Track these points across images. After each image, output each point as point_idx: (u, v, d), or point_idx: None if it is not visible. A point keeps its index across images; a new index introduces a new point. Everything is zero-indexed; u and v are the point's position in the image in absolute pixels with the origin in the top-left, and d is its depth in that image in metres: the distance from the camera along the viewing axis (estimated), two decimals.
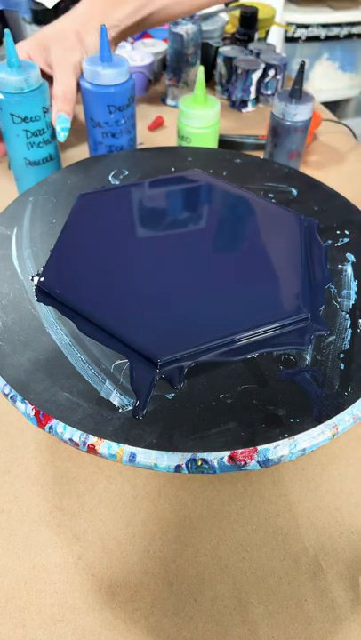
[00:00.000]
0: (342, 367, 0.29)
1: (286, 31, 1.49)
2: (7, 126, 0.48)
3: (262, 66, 0.73)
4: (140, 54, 0.78)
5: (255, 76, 0.74)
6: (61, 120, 0.49)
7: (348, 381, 0.28)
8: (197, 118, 0.54)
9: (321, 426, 0.26)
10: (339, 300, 0.33)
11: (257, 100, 0.78)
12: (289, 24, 1.48)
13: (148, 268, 0.34)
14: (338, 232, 0.38)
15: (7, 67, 0.45)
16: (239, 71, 0.73)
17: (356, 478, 0.36)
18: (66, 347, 0.30)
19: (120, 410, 0.27)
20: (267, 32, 0.86)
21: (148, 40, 0.82)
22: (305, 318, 0.31)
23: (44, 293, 0.33)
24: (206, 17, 0.80)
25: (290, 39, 1.52)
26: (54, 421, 0.26)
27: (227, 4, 0.80)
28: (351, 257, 0.36)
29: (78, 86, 0.52)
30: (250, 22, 0.78)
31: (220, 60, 0.77)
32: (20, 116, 0.47)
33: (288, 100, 0.54)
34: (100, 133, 0.53)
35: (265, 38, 0.86)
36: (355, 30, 1.55)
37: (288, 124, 0.55)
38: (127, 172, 0.44)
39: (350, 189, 0.49)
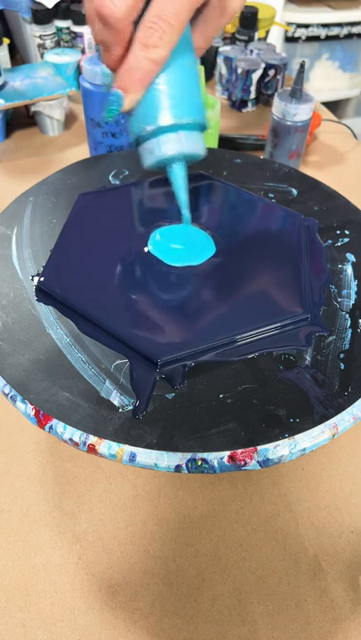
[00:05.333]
0: (342, 367, 0.29)
1: (286, 31, 1.49)
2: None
3: (262, 66, 0.73)
4: None
5: (255, 76, 0.74)
6: (114, 98, 0.29)
7: (348, 381, 0.28)
8: None
9: (321, 426, 0.26)
10: (339, 299, 0.33)
11: (257, 100, 0.78)
12: (289, 24, 1.48)
13: (147, 267, 0.34)
14: (338, 232, 0.38)
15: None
16: (239, 71, 0.73)
17: (356, 478, 0.37)
18: (66, 347, 0.30)
19: (120, 410, 0.27)
20: (267, 32, 0.86)
21: None
22: (305, 318, 0.31)
23: (44, 293, 0.33)
24: None
25: (290, 39, 1.52)
26: (54, 421, 0.26)
27: None
28: (351, 257, 0.36)
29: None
30: (250, 22, 0.78)
31: (220, 60, 0.77)
32: None
33: (288, 100, 0.54)
34: (100, 133, 0.53)
35: (265, 38, 0.86)
36: (355, 30, 1.55)
37: (288, 124, 0.55)
38: (127, 172, 0.44)
39: (350, 189, 0.49)
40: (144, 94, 0.29)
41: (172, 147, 0.30)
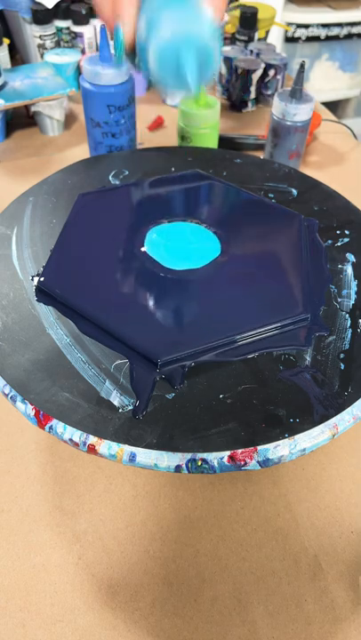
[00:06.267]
0: (342, 367, 0.29)
1: (286, 31, 1.49)
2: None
3: (262, 66, 0.73)
4: None
5: (255, 76, 0.74)
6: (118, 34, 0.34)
7: (348, 381, 0.28)
8: (197, 118, 0.54)
9: (321, 426, 0.26)
10: (339, 300, 0.33)
11: (257, 100, 0.78)
12: (289, 24, 1.48)
13: (148, 267, 0.34)
14: (338, 232, 0.38)
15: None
16: (239, 71, 0.73)
17: (356, 478, 0.36)
18: (66, 347, 0.30)
19: (120, 410, 0.27)
20: (267, 32, 0.86)
21: None
22: (305, 318, 0.31)
23: (44, 293, 0.33)
24: None
25: (290, 39, 1.52)
26: (54, 421, 0.26)
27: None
28: (351, 257, 0.36)
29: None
30: (250, 22, 0.78)
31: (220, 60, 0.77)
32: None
33: (288, 100, 0.54)
34: (100, 133, 0.53)
35: (265, 38, 0.86)
36: (355, 30, 1.55)
37: (288, 124, 0.55)
38: (127, 172, 0.44)
39: (350, 189, 0.49)
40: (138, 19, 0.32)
41: (168, 28, 0.31)
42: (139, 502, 0.35)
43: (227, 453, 0.25)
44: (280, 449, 0.25)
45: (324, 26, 1.51)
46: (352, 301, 0.33)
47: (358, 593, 0.31)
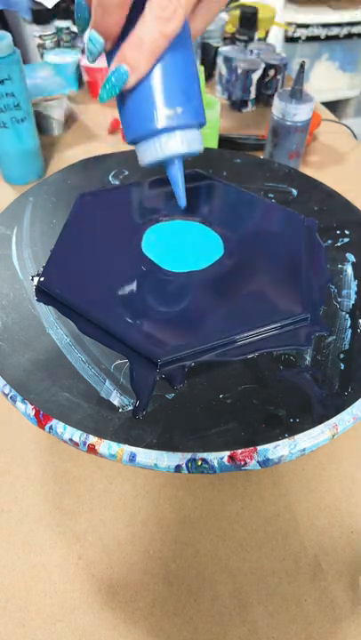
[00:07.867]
0: (342, 367, 0.29)
1: (286, 31, 1.49)
2: None
3: (262, 66, 0.73)
4: None
5: (255, 76, 0.74)
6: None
7: (348, 381, 0.28)
8: None
9: (321, 426, 0.26)
10: (339, 299, 0.33)
11: (257, 100, 0.78)
12: (289, 24, 1.48)
13: (148, 267, 0.34)
14: (338, 232, 0.38)
15: None
16: (239, 71, 0.73)
17: (356, 478, 0.36)
18: (66, 347, 0.30)
19: (120, 410, 0.27)
20: (267, 32, 0.86)
21: None
22: (305, 318, 0.31)
23: (44, 293, 0.33)
24: None
25: (290, 39, 1.52)
26: (54, 421, 0.26)
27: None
28: (351, 257, 0.36)
29: None
30: (250, 22, 0.78)
31: (220, 60, 0.77)
32: None
33: (288, 100, 0.54)
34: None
35: (265, 38, 0.86)
36: (355, 30, 1.55)
37: (288, 124, 0.55)
38: (127, 172, 0.44)
39: (350, 189, 0.49)
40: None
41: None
42: (139, 502, 0.35)
43: (227, 453, 0.25)
44: (280, 449, 0.25)
45: (324, 26, 1.51)
46: (352, 301, 0.33)
47: (358, 593, 0.31)
